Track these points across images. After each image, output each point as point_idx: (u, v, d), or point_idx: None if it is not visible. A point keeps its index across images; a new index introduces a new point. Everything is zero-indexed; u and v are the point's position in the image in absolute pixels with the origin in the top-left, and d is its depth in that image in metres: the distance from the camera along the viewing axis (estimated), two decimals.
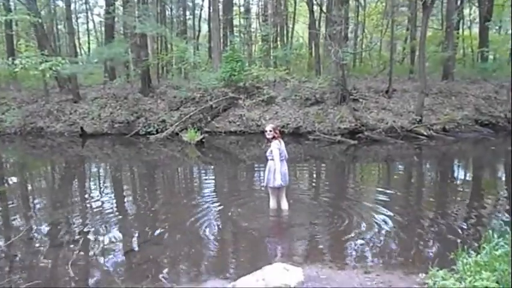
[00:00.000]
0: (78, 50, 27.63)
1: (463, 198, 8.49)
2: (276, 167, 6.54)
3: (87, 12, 31.65)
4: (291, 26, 28.80)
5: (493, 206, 7.68)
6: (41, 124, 18.53)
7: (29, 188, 10.49)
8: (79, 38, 30.76)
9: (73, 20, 26.34)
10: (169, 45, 26.39)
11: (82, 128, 17.92)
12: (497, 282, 3.44)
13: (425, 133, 15.57)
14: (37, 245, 6.15)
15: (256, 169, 11.29)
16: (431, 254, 5.40)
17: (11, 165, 14.17)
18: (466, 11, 27.37)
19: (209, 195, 8.71)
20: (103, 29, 27.87)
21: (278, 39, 26.97)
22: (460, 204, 7.93)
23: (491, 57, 24.81)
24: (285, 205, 7.02)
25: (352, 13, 26.14)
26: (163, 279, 4.88)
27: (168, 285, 4.67)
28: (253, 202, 7.92)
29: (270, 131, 6.63)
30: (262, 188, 7.24)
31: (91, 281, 4.91)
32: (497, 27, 26.11)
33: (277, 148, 6.53)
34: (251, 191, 9.01)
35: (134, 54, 19.29)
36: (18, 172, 12.46)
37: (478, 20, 25.05)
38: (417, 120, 16.06)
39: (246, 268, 4.87)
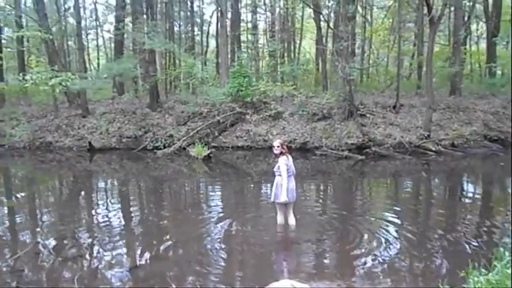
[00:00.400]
0: (88, 65, 28.07)
1: (472, 215, 8.38)
2: (283, 182, 6.51)
3: (97, 29, 32.25)
4: (298, 41, 29.04)
5: (503, 223, 7.55)
6: (50, 139, 18.69)
7: (37, 202, 10.53)
8: (88, 54, 31.24)
9: (83, 36, 26.77)
10: (177, 61, 26.66)
11: (90, 142, 18.04)
12: None
13: (433, 148, 15.47)
14: (44, 259, 6.13)
15: (263, 184, 11.25)
16: (440, 271, 5.32)
17: (19, 179, 14.25)
18: (473, 27, 27.47)
19: (216, 210, 8.68)
20: (112, 45, 28.30)
21: (285, 54, 27.20)
22: (470, 221, 7.82)
23: (499, 72, 24.76)
24: (292, 221, 6.96)
25: (359, 29, 26.34)
26: None
27: None
28: (261, 217, 7.88)
29: (278, 146, 6.62)
30: (270, 204, 7.20)
31: None
32: (504, 43, 26.07)
33: (284, 164, 6.51)
34: (258, 206, 8.97)
35: (142, 69, 19.51)
36: (27, 187, 12.53)
37: (485, 35, 25.08)
38: (426, 135, 15.97)
39: (252, 285, 4.83)
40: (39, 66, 18.16)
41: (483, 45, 26.68)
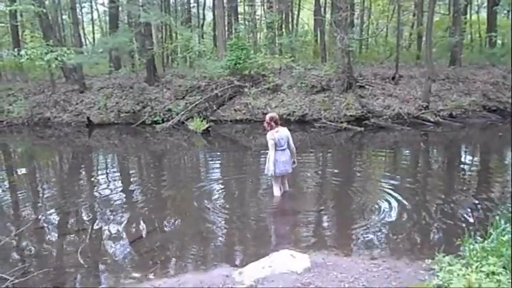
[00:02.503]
0: (83, 40, 27.64)
1: (470, 185, 8.47)
2: (270, 157, 6.76)
3: (91, 2, 31.61)
4: (296, 13, 28.58)
5: (501, 193, 7.63)
6: (48, 114, 18.62)
7: (38, 177, 10.59)
8: (83, 28, 30.78)
9: (78, 10, 26.26)
10: (173, 34, 26.29)
11: (88, 118, 17.99)
12: (503, 268, 3.44)
13: (431, 119, 15.47)
14: (46, 234, 6.23)
15: (262, 157, 11.27)
16: (437, 240, 5.42)
17: (19, 155, 14.29)
18: None
19: (215, 184, 8.74)
20: (107, 18, 27.81)
21: (283, 26, 26.73)
22: (467, 191, 7.90)
23: (499, 42, 24.48)
24: (286, 187, 7.28)
25: None
26: (171, 266, 4.94)
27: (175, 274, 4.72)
28: (260, 190, 7.96)
29: (268, 123, 6.80)
30: (268, 176, 7.29)
31: (101, 269, 4.98)
32: (505, 12, 25.69)
33: (271, 139, 6.69)
34: (258, 178, 9.03)
35: (139, 43, 19.24)
36: (27, 162, 12.57)
37: (486, 4, 24.68)
38: (424, 106, 15.94)
39: (252, 255, 4.92)
40: (34, 41, 17.79)
41: (483, 14, 26.29)
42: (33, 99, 19.36)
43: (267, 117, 6.89)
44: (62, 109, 18.73)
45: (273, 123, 6.78)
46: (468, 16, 24.98)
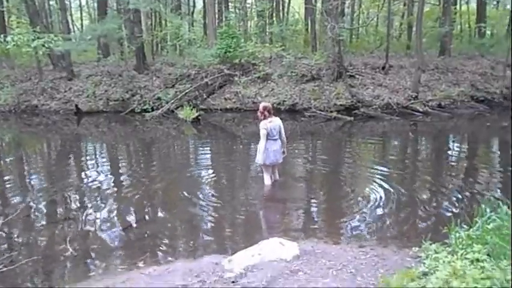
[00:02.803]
0: (71, 26, 27.20)
1: (458, 174, 8.58)
2: (260, 145, 6.80)
3: None
4: (287, 1, 28.38)
5: (487, 182, 7.76)
6: (36, 102, 18.37)
7: (26, 166, 10.49)
8: (71, 15, 30.25)
9: None
10: (163, 22, 25.98)
11: (76, 105, 17.79)
12: (488, 255, 3.51)
13: (420, 109, 15.58)
14: (35, 222, 6.20)
15: (252, 146, 11.30)
16: (425, 228, 5.49)
17: (6, 143, 14.11)
18: None
19: (205, 172, 8.74)
20: (95, 4, 27.36)
21: (274, 15, 26.60)
22: (455, 180, 8.01)
23: (488, 32, 24.65)
24: (276, 176, 7.30)
25: None
26: (160, 254, 4.95)
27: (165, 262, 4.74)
28: (250, 179, 7.99)
29: (261, 112, 6.81)
30: (258, 165, 7.31)
31: (90, 257, 4.97)
32: (495, 3, 25.88)
33: (263, 128, 6.73)
34: (247, 167, 9.05)
35: (128, 30, 18.99)
36: (14, 150, 12.43)
37: None
38: (413, 96, 16.03)
39: (242, 243, 4.96)
40: (20, 27, 17.45)
41: (473, 5, 26.39)
42: (20, 86, 19.06)
43: (260, 106, 6.91)
44: (50, 97, 18.48)
45: (266, 113, 6.80)
46: (458, 6, 25.04)
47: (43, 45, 16.04)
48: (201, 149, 12.04)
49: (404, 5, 25.34)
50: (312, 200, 6.82)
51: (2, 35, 16.28)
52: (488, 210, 4.28)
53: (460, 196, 6.81)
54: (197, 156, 11.10)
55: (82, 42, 19.80)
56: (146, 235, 5.49)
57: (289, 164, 8.67)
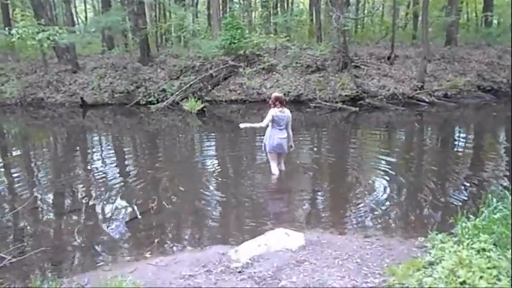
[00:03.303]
0: (75, 19, 27.18)
1: (464, 164, 8.55)
2: (266, 131, 6.95)
3: None
4: None
5: (493, 172, 7.73)
6: (41, 95, 18.43)
7: (32, 158, 10.55)
8: (75, 7, 30.19)
9: None
10: (167, 13, 25.90)
11: (82, 98, 17.83)
12: (494, 245, 3.51)
13: (426, 99, 15.48)
14: (43, 213, 6.25)
15: (257, 137, 11.30)
16: (431, 219, 5.49)
17: (13, 136, 14.20)
18: None
19: (211, 163, 8.77)
20: None
21: (278, 5, 26.45)
22: (461, 170, 7.98)
23: (495, 21, 24.37)
24: (282, 167, 7.31)
25: None
26: (167, 245, 4.99)
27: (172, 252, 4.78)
28: (255, 168, 8.01)
29: (273, 101, 6.91)
30: (263, 155, 7.32)
31: (97, 248, 5.02)
32: None
33: (271, 114, 6.81)
34: (253, 158, 9.06)
35: (132, 22, 18.95)
36: (21, 143, 12.51)
37: None
38: (419, 86, 15.93)
39: (248, 233, 4.98)
40: (25, 20, 17.44)
41: None
42: (25, 79, 19.12)
43: (273, 96, 7.04)
44: (55, 89, 18.53)
45: (277, 103, 6.87)
46: None
47: (48, 38, 16.08)
48: (206, 140, 12.06)
49: None
50: (318, 190, 6.83)
51: (6, 28, 16.34)
52: (494, 200, 4.28)
53: (466, 186, 6.79)
54: (202, 148, 11.12)
55: (86, 35, 19.86)
56: (152, 226, 5.52)
57: (295, 155, 8.67)
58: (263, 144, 7.12)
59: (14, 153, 10.81)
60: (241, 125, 7.23)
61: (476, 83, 16.78)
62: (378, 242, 4.40)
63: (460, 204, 5.78)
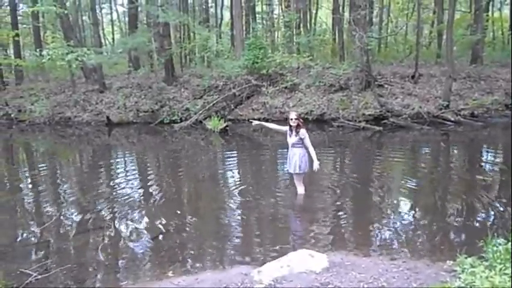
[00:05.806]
0: (103, 40, 28.06)
1: (492, 186, 8.28)
2: (311, 153, 6.78)
3: (111, 3, 32.12)
4: (314, 11, 28.41)
5: None
6: (69, 114, 18.95)
7: (59, 176, 10.78)
8: (103, 29, 31.25)
9: (97, 11, 26.69)
10: (191, 34, 26.44)
11: (108, 117, 18.24)
12: None
13: (452, 119, 15.21)
14: (68, 231, 6.33)
15: (279, 156, 11.28)
16: (459, 242, 5.33)
17: (41, 154, 14.57)
18: None
19: (233, 182, 8.77)
20: (126, 19, 28.15)
21: (301, 25, 26.62)
22: (489, 192, 7.72)
23: None
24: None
25: None
26: (189, 264, 4.97)
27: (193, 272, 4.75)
28: (278, 188, 7.95)
29: (296, 118, 6.76)
30: (286, 175, 7.27)
31: (120, 266, 5.04)
32: None
33: (308, 135, 6.75)
34: (275, 177, 9.02)
35: (157, 43, 19.43)
36: (48, 161, 12.81)
37: (508, 0, 24.14)
38: (445, 105, 15.68)
39: (271, 254, 4.92)
40: (55, 42, 18.11)
41: (506, 11, 25.72)
42: (54, 98, 19.73)
43: (294, 114, 6.86)
44: (82, 108, 19.04)
45: (301, 120, 6.86)
46: (490, 13, 24.46)
47: (76, 59, 16.61)
48: (229, 158, 12.09)
49: (434, 13, 24.91)
50: (341, 210, 6.72)
51: (38, 50, 16.94)
52: None
53: (495, 209, 6.57)
54: (225, 167, 11.14)
55: (113, 56, 20.41)
56: (175, 245, 5.52)
57: (318, 174, 8.58)
58: (294, 166, 6.91)
59: (42, 171, 11.05)
60: (254, 123, 7.35)
61: (504, 102, 16.41)
62: (405, 264, 4.28)
63: (488, 227, 5.59)
